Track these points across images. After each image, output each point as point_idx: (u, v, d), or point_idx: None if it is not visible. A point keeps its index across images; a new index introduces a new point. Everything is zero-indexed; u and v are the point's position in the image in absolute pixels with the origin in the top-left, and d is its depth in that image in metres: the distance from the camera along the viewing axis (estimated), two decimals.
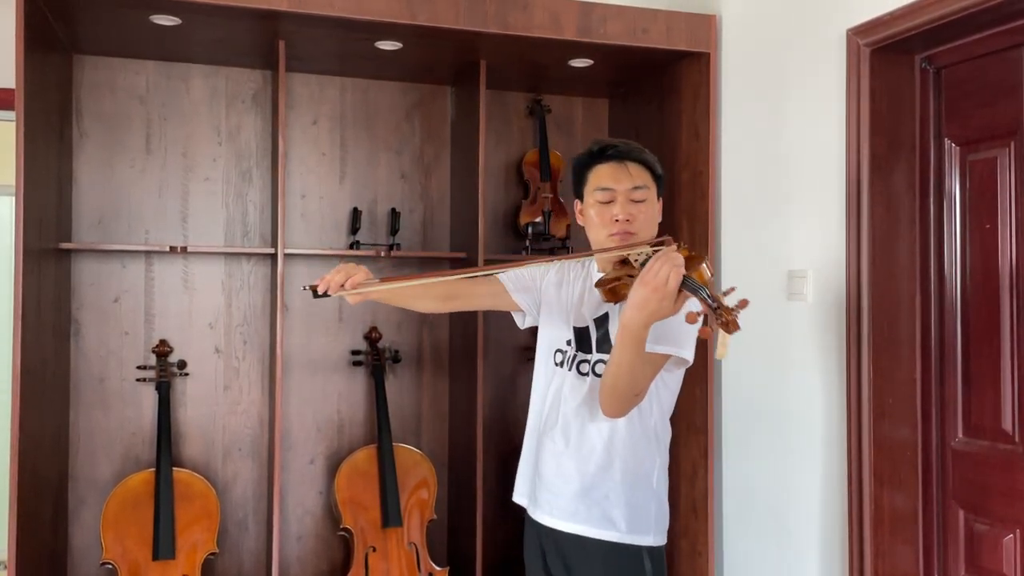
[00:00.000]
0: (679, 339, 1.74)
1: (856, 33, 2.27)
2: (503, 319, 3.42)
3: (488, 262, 3.01)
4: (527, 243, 3.32)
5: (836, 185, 2.36)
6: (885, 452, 2.26)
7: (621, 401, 1.74)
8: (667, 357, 1.74)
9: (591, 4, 2.76)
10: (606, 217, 1.84)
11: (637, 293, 1.58)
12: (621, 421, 1.83)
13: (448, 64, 3.12)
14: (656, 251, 1.69)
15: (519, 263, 1.92)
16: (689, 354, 1.77)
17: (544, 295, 2.03)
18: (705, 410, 2.82)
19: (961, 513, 2.21)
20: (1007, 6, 1.94)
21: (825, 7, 2.42)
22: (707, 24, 2.87)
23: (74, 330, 3.00)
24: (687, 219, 2.95)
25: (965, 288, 2.21)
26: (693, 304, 1.57)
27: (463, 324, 3.17)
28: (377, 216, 3.33)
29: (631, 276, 1.72)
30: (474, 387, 2.99)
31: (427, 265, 3.38)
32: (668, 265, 1.55)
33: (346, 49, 2.93)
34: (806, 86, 2.51)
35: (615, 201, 1.83)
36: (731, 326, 1.48)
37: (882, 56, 2.25)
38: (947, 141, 2.25)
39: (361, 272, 1.85)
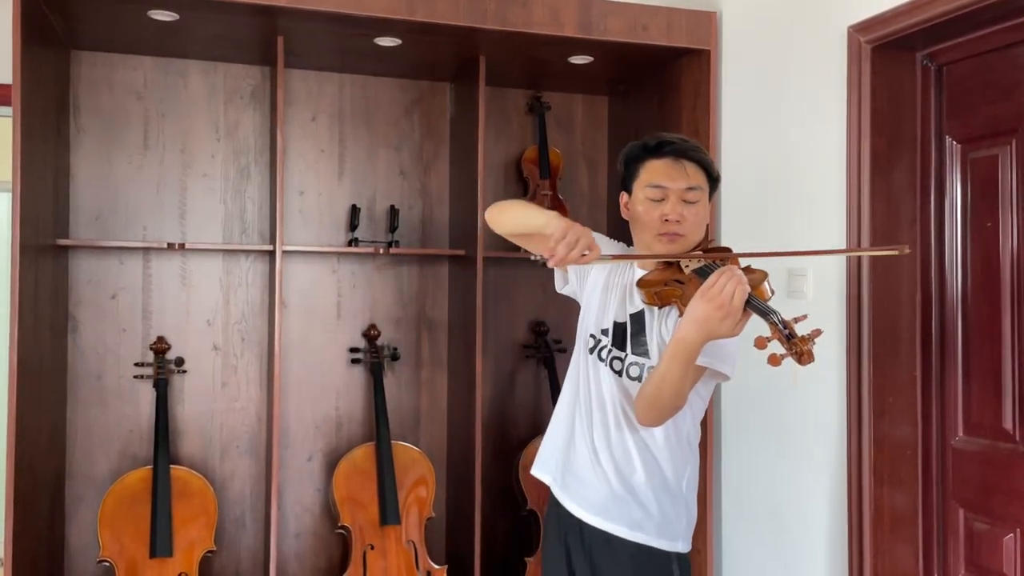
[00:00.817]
0: (722, 353, 1.71)
1: (857, 30, 2.26)
2: (503, 316, 3.44)
3: (487, 260, 3.00)
4: None
5: (837, 182, 2.35)
6: (885, 451, 2.25)
7: (661, 412, 1.71)
8: (703, 369, 1.70)
9: (591, 0, 2.75)
10: (655, 215, 1.78)
11: (698, 308, 1.52)
12: (658, 429, 1.80)
13: (447, 60, 3.11)
14: (709, 261, 1.65)
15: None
16: (731, 370, 1.74)
17: (590, 275, 1.96)
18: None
19: (961, 512, 2.20)
20: (1009, 3, 1.94)
21: (826, 4, 2.41)
22: (707, 21, 2.86)
23: (71, 327, 2.99)
24: None
25: (966, 286, 2.20)
26: (761, 327, 1.51)
27: (462, 322, 3.16)
28: (376, 213, 3.32)
29: (679, 282, 1.68)
30: (473, 385, 2.98)
31: (426, 263, 3.37)
32: (734, 281, 1.49)
33: (345, 45, 2.92)
34: (807, 84, 2.50)
35: (667, 200, 1.77)
36: (806, 357, 1.42)
37: (883, 53, 2.25)
38: (948, 139, 2.25)
39: (597, 247, 1.65)
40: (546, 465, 1.98)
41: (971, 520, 2.17)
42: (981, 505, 2.14)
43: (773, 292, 1.58)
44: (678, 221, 1.77)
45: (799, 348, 1.43)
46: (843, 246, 2.32)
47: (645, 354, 1.82)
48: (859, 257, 2.27)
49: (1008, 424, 2.07)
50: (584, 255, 1.63)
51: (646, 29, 2.80)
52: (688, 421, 1.85)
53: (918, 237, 2.29)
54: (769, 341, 1.47)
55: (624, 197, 1.89)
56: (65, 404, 2.97)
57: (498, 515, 3.30)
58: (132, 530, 2.79)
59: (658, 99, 3.16)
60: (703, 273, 1.67)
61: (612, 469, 1.83)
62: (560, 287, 2.03)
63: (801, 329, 1.47)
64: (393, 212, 3.21)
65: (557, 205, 3.36)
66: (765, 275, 1.60)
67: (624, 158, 1.88)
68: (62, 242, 2.82)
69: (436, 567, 3.02)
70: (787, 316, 1.48)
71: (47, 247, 2.66)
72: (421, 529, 3.06)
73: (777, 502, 2.61)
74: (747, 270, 1.63)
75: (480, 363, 2.97)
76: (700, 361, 1.65)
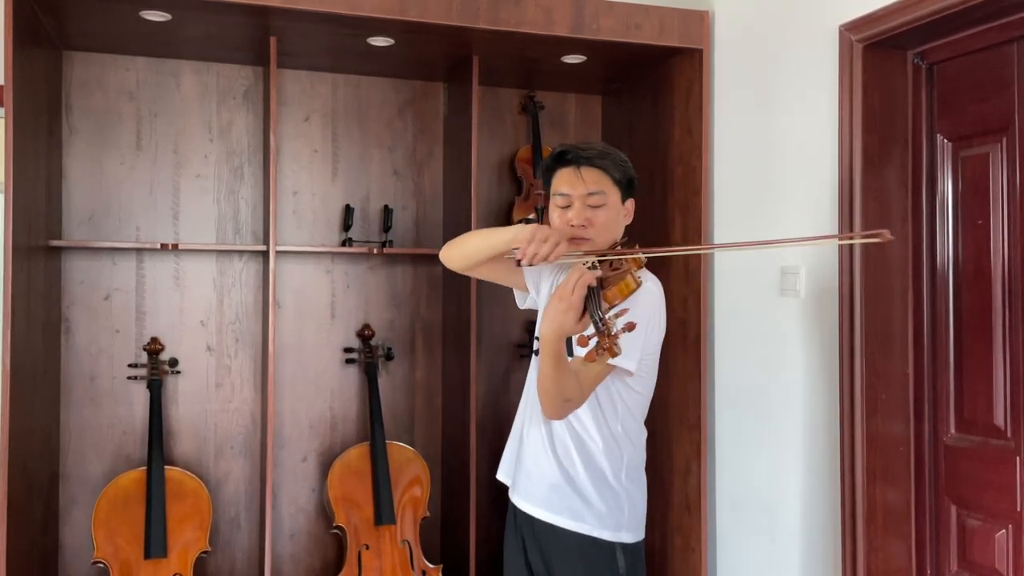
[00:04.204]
0: (634, 353, 1.78)
1: (848, 29, 2.27)
2: (496, 316, 3.44)
3: None
4: None
5: (828, 180, 2.36)
6: (878, 447, 2.26)
7: (553, 405, 1.78)
8: (609, 367, 1.77)
9: (584, 0, 2.75)
10: (562, 221, 1.89)
11: (549, 305, 1.64)
12: (590, 423, 1.88)
13: (441, 60, 3.11)
14: (621, 258, 1.74)
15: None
16: (629, 364, 1.79)
17: (543, 284, 2.06)
18: (698, 406, 2.82)
19: (953, 508, 2.21)
20: (999, 2, 1.94)
21: (817, 3, 2.42)
22: (700, 20, 2.87)
23: (64, 328, 2.98)
24: (680, 214, 2.94)
25: (957, 284, 2.21)
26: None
27: (456, 321, 3.17)
28: (370, 213, 3.32)
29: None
30: (467, 384, 2.98)
31: (420, 262, 3.37)
32: (575, 276, 1.61)
33: (338, 45, 2.91)
34: (799, 82, 2.51)
35: (571, 206, 1.88)
36: (615, 349, 1.52)
37: (874, 52, 2.25)
38: (939, 137, 2.25)
39: (564, 243, 1.79)
40: (504, 468, 2.10)
41: (963, 516, 2.18)
42: (973, 501, 2.15)
43: (639, 283, 1.65)
44: (583, 226, 1.86)
45: (607, 342, 1.52)
46: (835, 244, 2.33)
47: (570, 352, 1.87)
48: (851, 254, 2.27)
49: (1000, 421, 2.08)
50: (556, 250, 1.75)
51: (639, 28, 2.80)
52: (621, 417, 1.91)
53: (910, 235, 2.30)
54: (590, 338, 1.57)
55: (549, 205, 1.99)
56: (58, 405, 2.96)
57: (493, 514, 3.30)
58: (126, 531, 2.78)
59: (651, 98, 3.16)
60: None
61: (555, 463, 1.91)
62: (522, 304, 2.14)
63: (620, 324, 1.56)
64: (387, 212, 3.21)
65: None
66: (637, 266, 1.67)
67: (541, 169, 1.99)
68: (55, 243, 2.81)
69: (431, 566, 3.02)
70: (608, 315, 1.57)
71: (39, 248, 2.65)
72: (416, 529, 3.06)
73: (770, 499, 2.61)
74: (613, 271, 1.69)
75: (474, 363, 2.97)
76: (582, 354, 1.73)
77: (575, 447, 1.90)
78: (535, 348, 1.95)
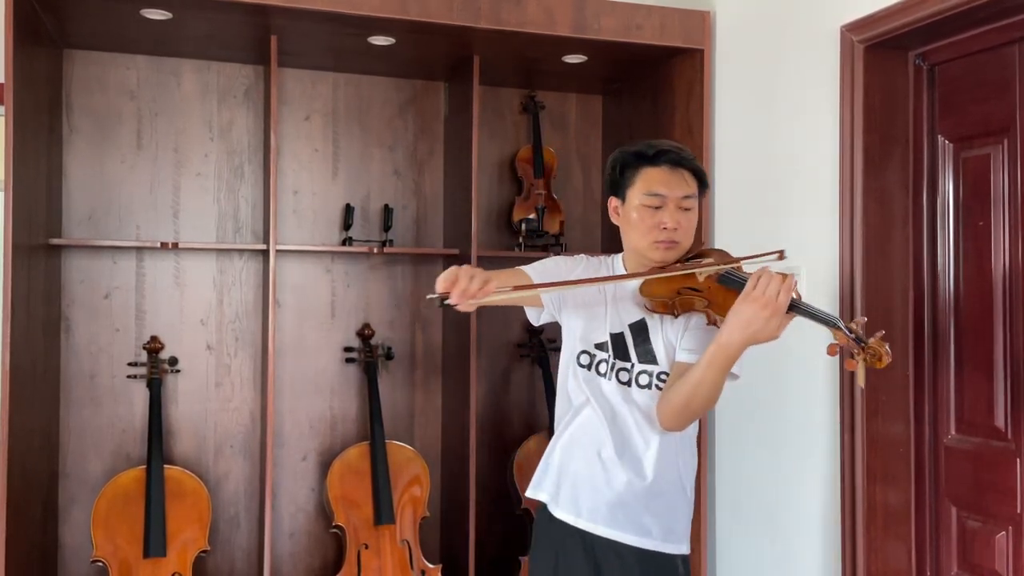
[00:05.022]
0: (742, 359, 1.73)
1: (850, 29, 2.27)
2: (497, 315, 3.43)
3: (481, 259, 3.00)
4: (520, 240, 3.30)
5: (829, 181, 2.36)
6: (878, 449, 2.26)
7: (692, 417, 1.75)
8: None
9: (584, 0, 2.75)
10: (652, 223, 1.78)
11: (743, 311, 1.56)
12: (674, 432, 1.82)
13: (441, 60, 3.11)
14: (728, 267, 1.69)
15: (585, 281, 1.88)
16: (739, 369, 1.77)
17: (567, 297, 1.94)
18: None
19: (954, 510, 2.21)
20: (1000, 3, 1.94)
21: (819, 4, 2.42)
22: (701, 20, 2.86)
23: (64, 327, 2.98)
24: None
25: (958, 285, 2.21)
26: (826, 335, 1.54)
27: (456, 321, 3.16)
28: (370, 212, 3.32)
29: (694, 290, 1.71)
30: (467, 384, 2.98)
31: (420, 262, 3.37)
32: (777, 281, 1.53)
33: (339, 44, 2.91)
34: (800, 83, 2.50)
35: (664, 208, 1.78)
36: (886, 358, 1.46)
37: (876, 52, 2.25)
38: (940, 138, 2.25)
39: (493, 281, 1.62)
40: (541, 484, 1.95)
41: (964, 518, 2.18)
42: (974, 503, 2.15)
43: (799, 295, 1.60)
44: (675, 229, 1.78)
45: (876, 351, 1.47)
46: (836, 244, 2.33)
47: (653, 361, 1.83)
48: (852, 254, 2.27)
49: (1000, 422, 2.08)
50: (481, 288, 1.58)
51: (640, 28, 2.80)
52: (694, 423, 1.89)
53: (910, 235, 2.30)
54: (839, 347, 1.51)
55: (614, 202, 1.88)
56: (58, 404, 2.96)
57: (492, 514, 3.30)
58: (126, 530, 2.78)
59: (652, 98, 3.16)
60: (726, 280, 1.70)
61: (622, 479, 1.82)
62: (537, 321, 2.00)
63: (861, 329, 1.52)
64: (387, 211, 3.20)
65: (551, 204, 3.36)
66: (791, 276, 1.62)
67: (618, 164, 1.86)
68: (55, 241, 2.81)
69: (430, 566, 3.02)
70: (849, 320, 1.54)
71: (40, 246, 2.65)
72: (415, 528, 3.05)
73: (771, 500, 2.61)
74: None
75: (474, 362, 2.97)
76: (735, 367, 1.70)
77: (652, 460, 1.83)
78: (597, 359, 1.86)
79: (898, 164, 2.29)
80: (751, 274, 1.63)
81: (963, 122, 2.19)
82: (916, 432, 2.29)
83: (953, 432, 2.22)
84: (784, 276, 1.56)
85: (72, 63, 2.99)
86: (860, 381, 1.53)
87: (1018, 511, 2.02)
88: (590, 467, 1.86)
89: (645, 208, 1.79)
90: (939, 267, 2.26)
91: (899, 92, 2.29)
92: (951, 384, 2.22)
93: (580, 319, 1.92)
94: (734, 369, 1.73)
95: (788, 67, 2.55)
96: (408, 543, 3.02)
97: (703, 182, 1.85)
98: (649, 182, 1.80)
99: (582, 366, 1.89)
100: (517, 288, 1.78)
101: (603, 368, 1.87)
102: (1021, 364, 2.03)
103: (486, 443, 3.33)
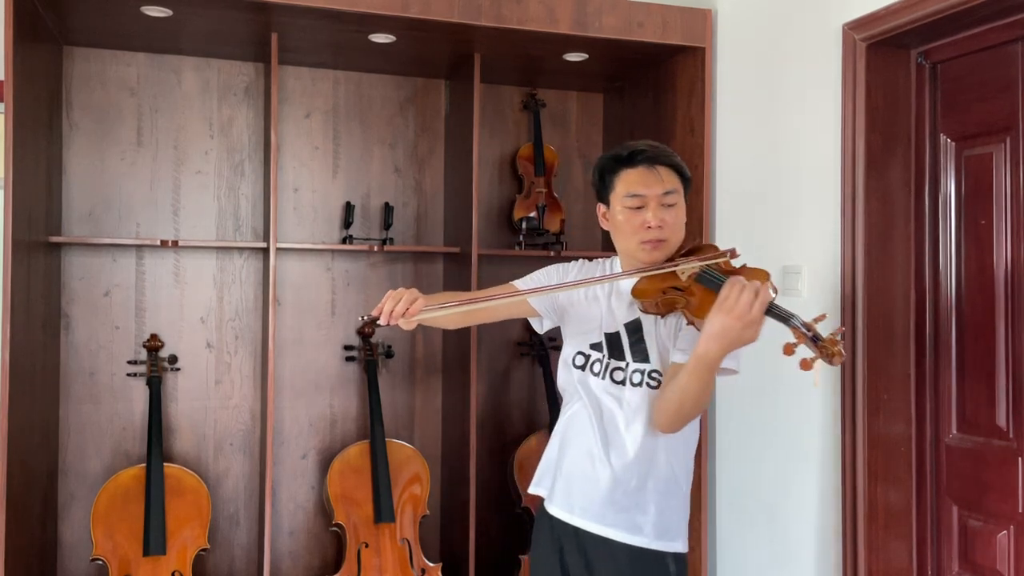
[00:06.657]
0: (739, 354, 1.73)
1: (852, 28, 2.27)
2: None
3: (482, 257, 3.00)
4: (521, 238, 3.30)
5: (831, 180, 2.35)
6: (879, 448, 2.26)
7: (685, 420, 1.74)
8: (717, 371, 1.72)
9: None
10: (636, 223, 1.79)
11: (716, 322, 1.55)
12: (659, 432, 1.82)
13: (442, 57, 3.10)
14: (706, 264, 1.68)
15: (570, 285, 1.92)
16: (738, 365, 1.77)
17: (559, 300, 1.97)
18: None
19: (955, 509, 2.21)
20: (1002, 1, 1.94)
21: (821, 2, 2.41)
22: (702, 18, 2.86)
23: (64, 324, 2.98)
24: None
25: (960, 284, 2.20)
26: (781, 332, 1.53)
27: None
28: (370, 210, 3.31)
29: (677, 289, 1.70)
30: (467, 382, 2.97)
31: (420, 260, 3.37)
32: (750, 291, 1.52)
33: (339, 42, 2.91)
34: (802, 81, 2.50)
35: (646, 207, 1.79)
36: (836, 358, 1.44)
37: (878, 51, 2.25)
38: (943, 137, 2.25)
39: (421, 299, 1.75)
40: (541, 481, 1.98)
41: (965, 517, 2.18)
42: (975, 502, 2.15)
43: (776, 291, 1.59)
44: (659, 227, 1.78)
45: (829, 350, 1.45)
46: (838, 242, 2.32)
47: (646, 359, 1.83)
48: (853, 254, 2.27)
49: (1002, 421, 2.07)
50: (407, 309, 1.73)
51: (641, 26, 2.79)
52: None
53: (912, 234, 2.29)
54: (796, 346, 1.50)
55: (602, 208, 1.90)
56: (58, 402, 2.95)
57: (492, 513, 3.30)
58: (125, 528, 2.78)
59: (653, 96, 3.15)
60: (704, 280, 1.69)
61: (609, 473, 1.83)
62: (541, 329, 2.05)
63: (822, 328, 1.49)
64: (388, 209, 3.20)
65: (552, 202, 3.35)
66: (767, 275, 1.61)
67: (599, 171, 1.89)
68: (55, 239, 2.80)
69: (430, 565, 3.02)
70: (806, 318, 1.50)
71: (39, 244, 2.65)
72: (415, 527, 3.05)
73: (772, 499, 2.61)
74: (744, 271, 1.64)
75: (474, 361, 2.97)
76: (730, 365, 1.72)
77: (638, 458, 1.82)
78: (591, 359, 1.88)
79: (900, 163, 2.29)
80: (728, 276, 1.63)
81: (965, 121, 2.18)
82: (917, 431, 2.29)
83: (954, 431, 2.22)
84: (758, 283, 1.54)
85: (72, 60, 2.99)
86: (816, 381, 1.52)
87: (1019, 510, 2.02)
88: (582, 465, 1.87)
89: (628, 210, 1.81)
90: (941, 266, 2.25)
91: (901, 90, 2.28)
92: (952, 383, 2.22)
93: (575, 321, 1.95)
94: (731, 364, 1.74)
95: (790, 65, 2.55)
96: (408, 542, 3.01)
97: (684, 176, 1.85)
98: (628, 184, 1.81)
99: (577, 367, 1.91)
100: (472, 300, 1.88)
101: (597, 368, 1.88)
102: (1022, 363, 2.02)
103: (486, 441, 3.33)
